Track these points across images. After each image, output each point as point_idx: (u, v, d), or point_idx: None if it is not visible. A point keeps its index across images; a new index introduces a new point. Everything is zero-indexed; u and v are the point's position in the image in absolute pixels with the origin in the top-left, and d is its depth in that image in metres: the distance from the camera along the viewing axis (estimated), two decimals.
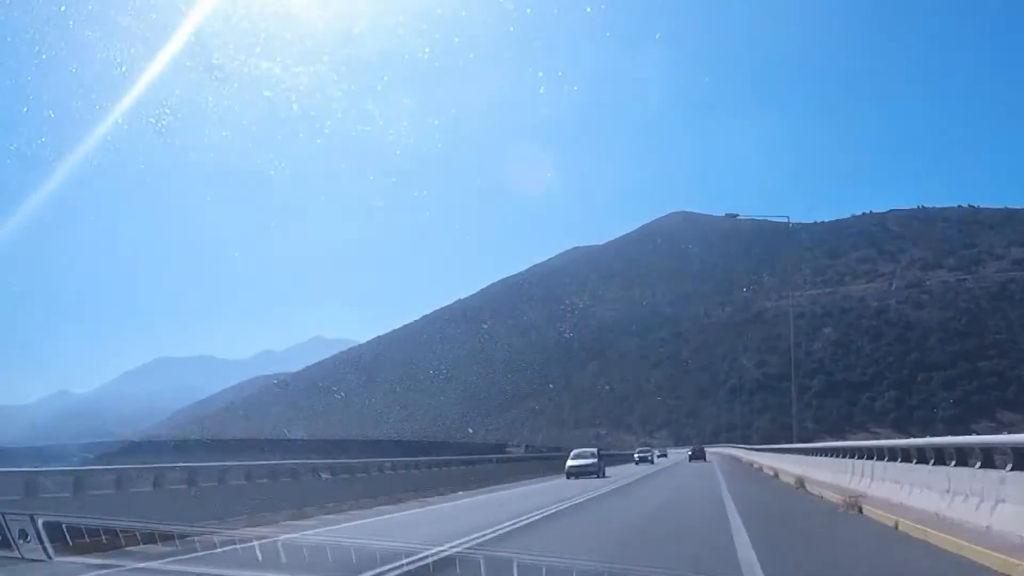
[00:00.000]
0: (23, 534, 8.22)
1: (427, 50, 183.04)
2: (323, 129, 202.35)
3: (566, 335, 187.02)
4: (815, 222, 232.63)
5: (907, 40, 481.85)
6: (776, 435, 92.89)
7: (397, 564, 9.27)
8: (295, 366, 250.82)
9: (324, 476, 25.52)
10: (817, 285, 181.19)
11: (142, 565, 9.96)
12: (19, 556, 8.24)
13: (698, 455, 75.85)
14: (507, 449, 69.82)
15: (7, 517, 8.34)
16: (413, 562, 9.51)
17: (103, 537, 10.88)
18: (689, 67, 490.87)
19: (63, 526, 9.50)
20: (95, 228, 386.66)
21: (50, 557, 8.34)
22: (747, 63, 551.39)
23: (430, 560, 9.54)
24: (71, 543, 9.45)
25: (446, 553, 10.25)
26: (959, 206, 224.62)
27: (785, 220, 66.00)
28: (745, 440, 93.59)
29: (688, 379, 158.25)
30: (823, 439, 63.11)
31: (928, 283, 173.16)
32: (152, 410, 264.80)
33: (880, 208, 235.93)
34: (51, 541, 8.43)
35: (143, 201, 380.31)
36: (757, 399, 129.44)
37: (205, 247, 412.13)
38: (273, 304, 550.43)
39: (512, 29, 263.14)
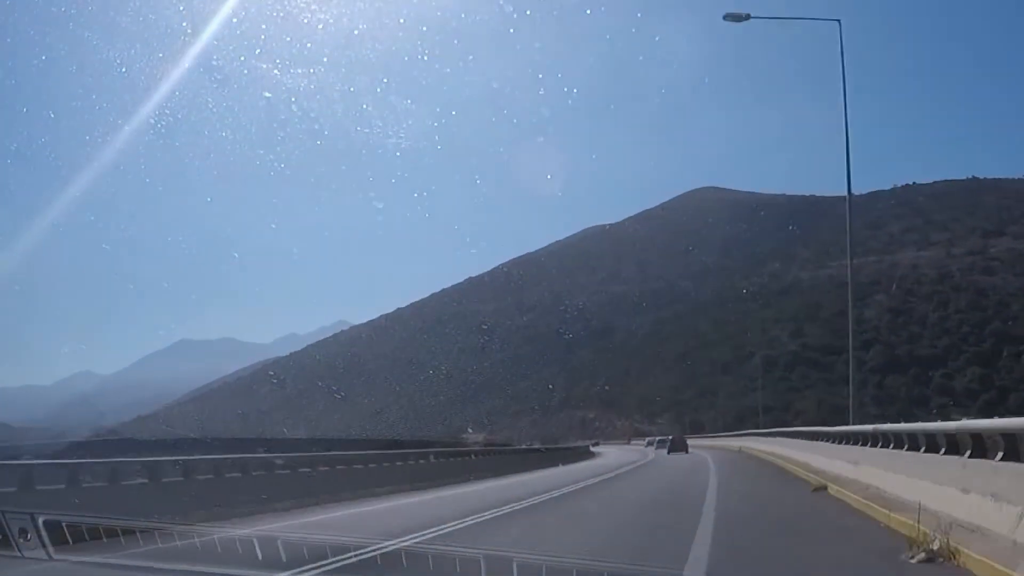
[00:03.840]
0: (23, 532, 7.97)
1: (427, 53, 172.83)
2: (323, 131, 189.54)
3: (571, 313, 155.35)
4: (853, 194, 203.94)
5: (952, 5, 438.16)
6: (826, 420, 60.61)
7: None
8: (317, 350, 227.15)
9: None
10: (860, 254, 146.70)
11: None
12: (19, 555, 7.90)
13: (678, 446, 59.36)
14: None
15: (7, 516, 8.14)
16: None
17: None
18: (719, 42, 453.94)
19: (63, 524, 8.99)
20: (119, 214, 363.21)
21: (50, 556, 7.94)
22: (780, 34, 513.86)
23: None
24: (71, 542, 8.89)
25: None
26: (1013, 177, 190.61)
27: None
28: (782, 425, 59.09)
29: (705, 354, 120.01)
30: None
31: (993, 250, 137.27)
32: (170, 392, 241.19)
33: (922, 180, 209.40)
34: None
35: (166, 190, 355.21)
36: (796, 375, 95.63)
37: (228, 233, 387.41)
38: (298, 288, 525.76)
39: (512, 31, 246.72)
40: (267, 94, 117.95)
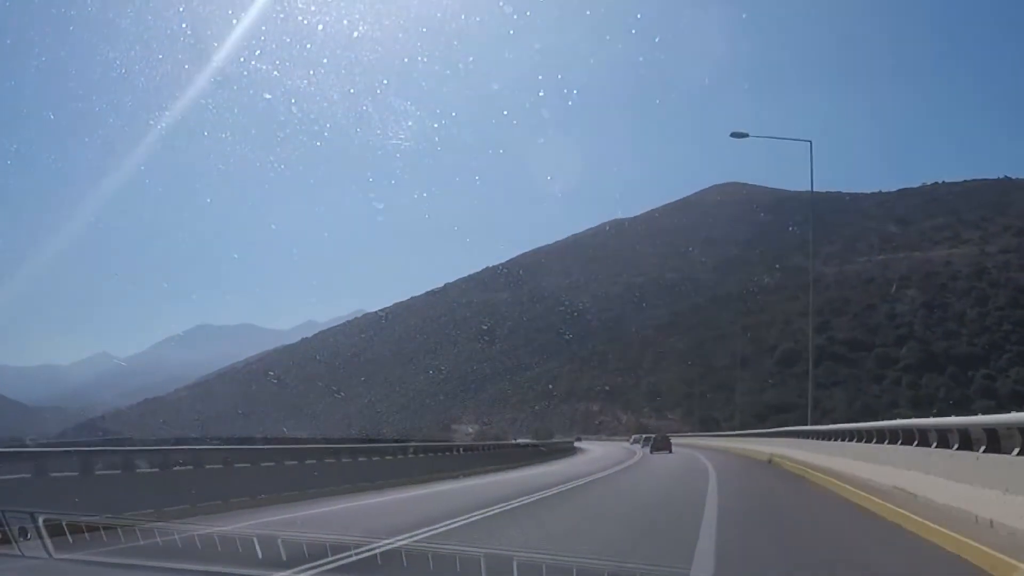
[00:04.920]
0: (23, 531, 8.00)
1: (426, 54, 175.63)
2: (323, 132, 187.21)
3: (583, 304, 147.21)
4: (878, 191, 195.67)
5: (984, 3, 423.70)
6: (857, 420, 51.58)
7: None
8: (334, 337, 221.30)
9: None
10: (889, 250, 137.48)
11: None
12: (20, 554, 7.78)
13: (660, 445, 54.79)
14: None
15: (7, 515, 8.13)
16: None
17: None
18: (746, 35, 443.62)
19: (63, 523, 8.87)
20: (143, 197, 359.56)
21: (51, 555, 7.77)
22: (807, 28, 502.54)
23: None
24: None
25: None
26: None
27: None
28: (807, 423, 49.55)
29: (723, 346, 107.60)
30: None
31: None
32: (182, 377, 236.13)
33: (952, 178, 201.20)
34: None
35: (188, 177, 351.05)
36: (822, 370, 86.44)
37: (248, 221, 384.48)
38: (319, 277, 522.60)
39: (512, 32, 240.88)
40: (267, 95, 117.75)
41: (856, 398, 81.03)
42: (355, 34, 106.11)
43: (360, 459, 24.30)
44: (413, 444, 33.01)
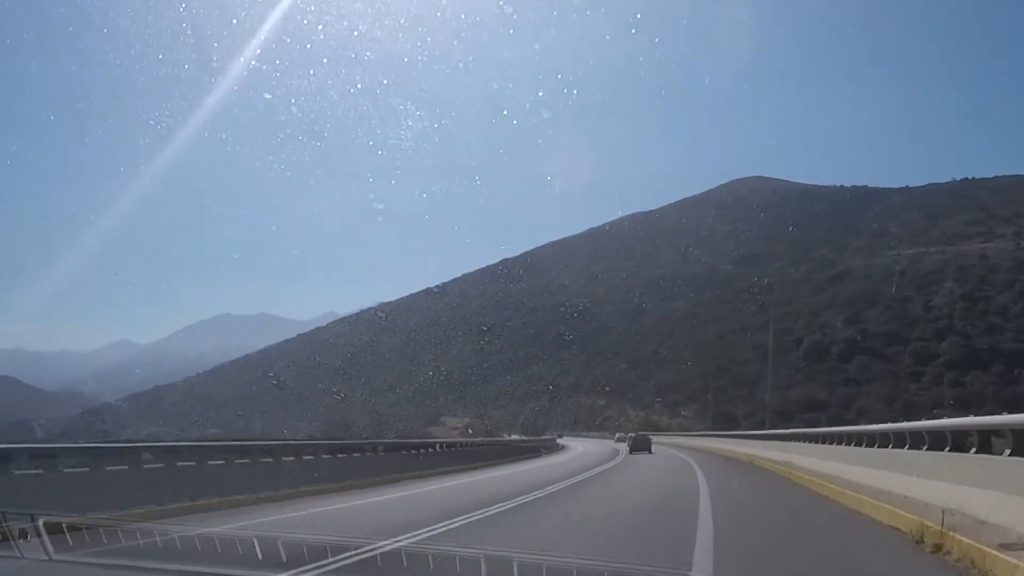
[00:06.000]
0: (23, 533, 7.84)
1: (426, 53, 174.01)
2: (322, 132, 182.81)
3: (586, 301, 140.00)
4: (906, 186, 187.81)
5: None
6: (895, 420, 43.25)
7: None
8: (353, 328, 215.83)
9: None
10: (921, 244, 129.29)
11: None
12: (19, 555, 7.61)
13: (640, 445, 53.11)
14: None
15: (7, 516, 7.97)
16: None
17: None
18: (750, 34, 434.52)
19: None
20: (166, 188, 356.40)
21: (50, 556, 7.57)
22: (835, 23, 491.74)
23: None
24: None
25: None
26: None
27: None
28: (838, 423, 40.91)
29: (744, 340, 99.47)
30: None
31: None
32: (200, 365, 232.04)
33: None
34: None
35: (203, 170, 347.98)
36: (854, 366, 78.35)
37: (270, 211, 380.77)
38: (340, 268, 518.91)
39: (512, 31, 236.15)
40: (267, 95, 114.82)
41: (895, 396, 72.65)
42: (355, 34, 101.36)
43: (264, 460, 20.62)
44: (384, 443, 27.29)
